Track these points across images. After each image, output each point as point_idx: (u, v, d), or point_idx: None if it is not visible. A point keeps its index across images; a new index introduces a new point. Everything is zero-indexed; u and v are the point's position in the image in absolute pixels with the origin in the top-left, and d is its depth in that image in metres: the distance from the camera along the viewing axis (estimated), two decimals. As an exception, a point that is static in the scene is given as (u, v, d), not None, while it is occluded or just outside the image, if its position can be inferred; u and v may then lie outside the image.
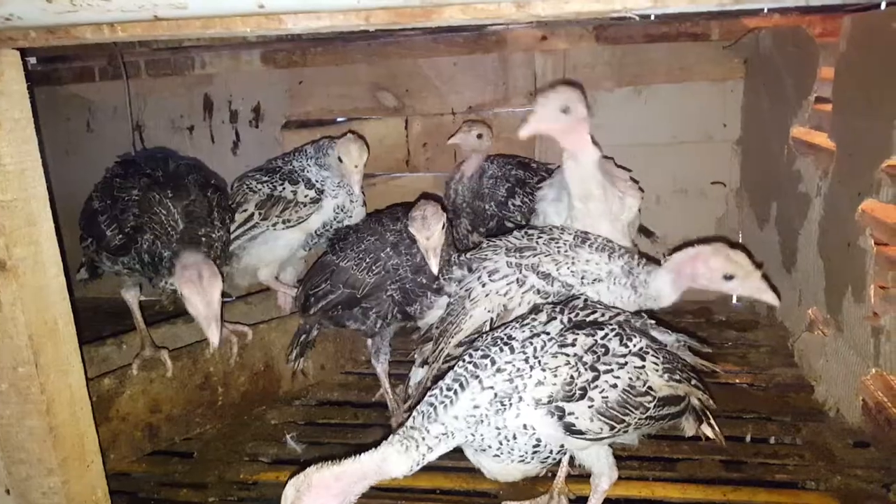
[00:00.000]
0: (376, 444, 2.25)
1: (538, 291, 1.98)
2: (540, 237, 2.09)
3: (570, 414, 1.53)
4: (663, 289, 1.94)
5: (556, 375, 1.54)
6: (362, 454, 1.49)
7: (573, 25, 3.04)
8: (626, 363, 1.60)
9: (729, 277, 1.84)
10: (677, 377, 1.69)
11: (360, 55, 3.21)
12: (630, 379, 1.59)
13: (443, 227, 2.10)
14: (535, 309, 1.78)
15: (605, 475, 1.78)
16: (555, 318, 1.68)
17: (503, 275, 2.02)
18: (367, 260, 2.29)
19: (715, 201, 3.25)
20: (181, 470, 2.22)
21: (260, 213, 2.65)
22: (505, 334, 1.65)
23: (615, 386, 1.57)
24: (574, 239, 2.07)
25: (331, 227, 2.71)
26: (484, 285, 2.02)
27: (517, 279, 1.99)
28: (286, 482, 2.06)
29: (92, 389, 1.73)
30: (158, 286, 2.27)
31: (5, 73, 1.43)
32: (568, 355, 1.57)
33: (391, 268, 2.25)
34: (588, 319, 1.69)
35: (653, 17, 2.20)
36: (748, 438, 2.23)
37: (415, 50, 3.19)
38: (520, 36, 3.11)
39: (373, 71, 3.25)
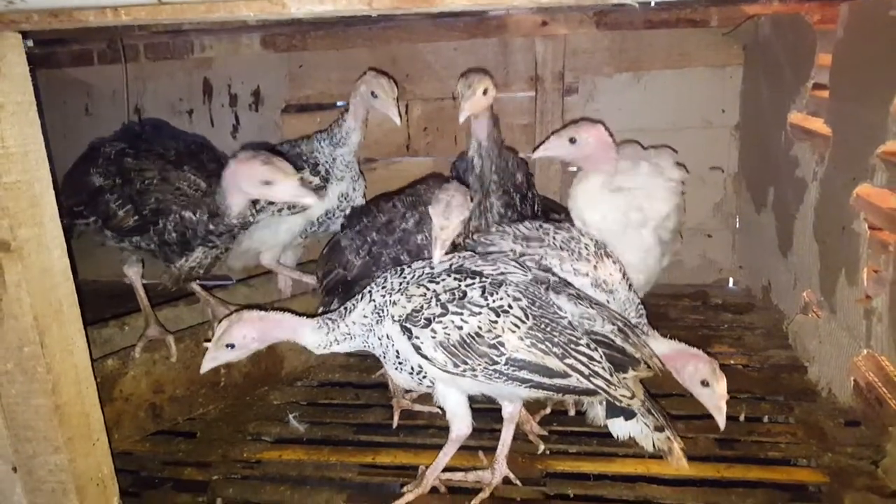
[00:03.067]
0: (378, 424, 2.33)
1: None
2: (557, 233, 2.14)
3: (416, 337, 1.76)
4: (655, 349, 2.00)
5: (409, 301, 1.78)
6: (289, 313, 1.89)
7: (573, 11, 3.04)
8: (479, 313, 1.74)
9: (705, 384, 1.97)
10: (543, 347, 1.72)
11: (360, 39, 3.22)
12: (479, 328, 1.73)
13: (463, 221, 1.99)
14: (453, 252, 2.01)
15: (452, 422, 1.94)
16: (451, 260, 1.90)
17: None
18: (357, 241, 2.33)
19: (713, 186, 3.28)
20: (185, 449, 2.25)
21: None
22: (408, 264, 1.94)
23: (460, 328, 1.73)
24: (597, 247, 2.14)
25: (333, 215, 2.72)
26: None
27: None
28: (290, 462, 2.15)
29: (95, 370, 1.75)
30: (174, 265, 2.28)
31: (7, 55, 1.44)
32: (427, 289, 1.79)
33: (376, 254, 2.26)
34: (472, 268, 1.85)
35: (653, 4, 2.21)
36: (742, 417, 2.26)
37: (415, 35, 3.19)
38: (520, 21, 3.11)
39: (373, 55, 3.26)
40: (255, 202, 2.23)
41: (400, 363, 1.84)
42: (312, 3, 1.20)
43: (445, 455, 1.99)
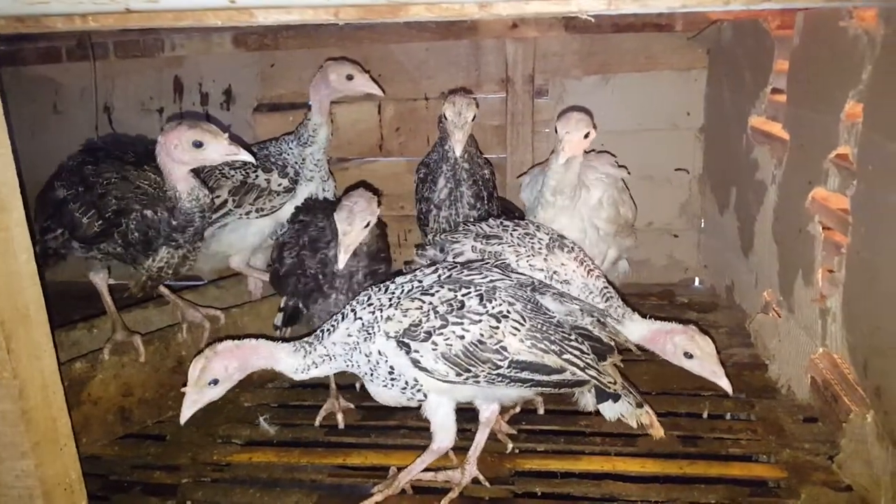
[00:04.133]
0: (349, 426, 2.34)
1: None
2: (515, 230, 2.19)
3: (415, 351, 1.76)
4: (632, 335, 2.08)
5: (405, 315, 1.77)
6: (264, 339, 1.85)
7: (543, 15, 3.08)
8: (480, 321, 1.76)
9: (689, 356, 2.00)
10: (542, 346, 1.78)
11: (332, 39, 3.22)
12: (481, 335, 1.75)
13: (367, 226, 2.07)
14: (433, 263, 2.03)
15: (436, 434, 1.94)
16: (437, 272, 1.90)
17: (466, 259, 2.11)
18: (292, 240, 2.37)
19: (679, 187, 3.34)
20: (154, 452, 2.25)
21: (234, 200, 2.64)
22: (392, 280, 1.91)
23: (462, 337, 1.75)
24: (550, 240, 2.18)
25: None
26: None
27: None
28: (260, 464, 2.15)
29: (63, 373, 1.74)
30: (142, 266, 2.26)
31: (-27, 59, 1.43)
32: (423, 302, 1.79)
33: (303, 256, 2.29)
34: (464, 278, 1.85)
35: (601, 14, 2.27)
36: (705, 415, 2.33)
37: (387, 35, 3.20)
38: (491, 23, 3.14)
39: (345, 55, 3.24)
40: (206, 184, 2.22)
41: (393, 379, 1.82)
42: (279, 13, 1.21)
43: (422, 462, 1.99)
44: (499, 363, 1.76)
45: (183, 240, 2.23)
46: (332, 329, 1.84)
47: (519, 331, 1.77)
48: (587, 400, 2.04)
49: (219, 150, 2.07)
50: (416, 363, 1.77)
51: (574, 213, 2.43)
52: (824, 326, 2.14)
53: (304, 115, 2.74)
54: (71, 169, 2.31)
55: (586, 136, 2.23)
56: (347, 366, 1.84)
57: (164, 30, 3.24)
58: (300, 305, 2.36)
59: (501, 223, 2.25)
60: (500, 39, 3.22)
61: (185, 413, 1.79)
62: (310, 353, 1.84)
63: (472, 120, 2.44)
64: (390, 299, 1.82)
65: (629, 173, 2.68)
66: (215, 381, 1.78)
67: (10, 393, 1.56)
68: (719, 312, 3.08)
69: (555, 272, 2.11)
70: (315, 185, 2.72)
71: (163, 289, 2.52)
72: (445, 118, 2.46)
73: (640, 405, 2.04)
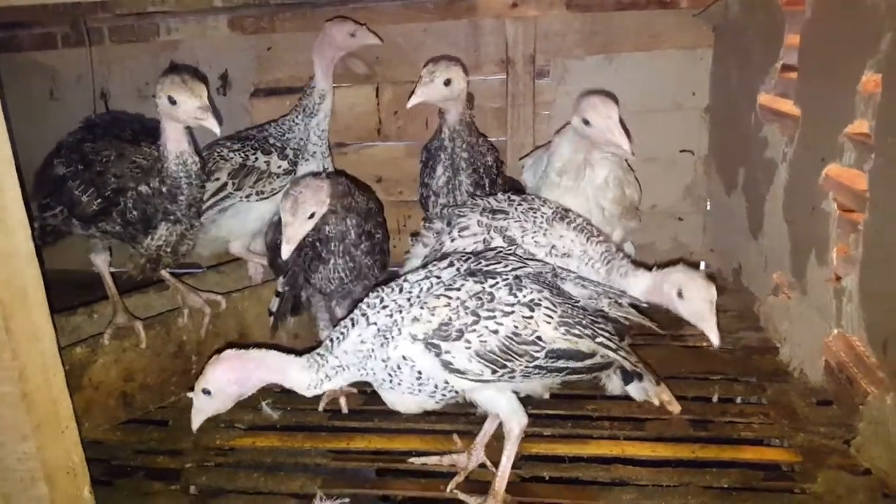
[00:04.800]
0: (351, 410, 2.31)
1: None
2: (520, 204, 2.16)
3: (446, 352, 1.63)
4: (636, 289, 2.02)
5: (433, 314, 1.64)
6: (274, 351, 1.69)
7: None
8: (512, 312, 1.66)
9: (680, 295, 1.93)
10: (576, 332, 1.72)
11: (329, 21, 3.16)
12: (515, 327, 1.65)
13: (311, 217, 2.01)
14: (443, 256, 1.90)
15: (512, 420, 1.83)
16: (453, 265, 1.79)
17: (472, 232, 2.11)
18: None
19: (684, 169, 3.29)
20: (157, 437, 2.22)
21: (233, 183, 2.61)
22: (403, 277, 1.79)
23: (496, 332, 1.64)
24: (553, 213, 2.14)
25: None
26: (453, 240, 2.11)
27: (483, 239, 2.06)
28: (264, 449, 2.12)
29: (64, 358, 1.70)
30: (141, 246, 2.22)
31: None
32: (450, 298, 1.66)
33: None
34: (486, 269, 1.75)
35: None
36: (715, 399, 2.29)
37: (385, 16, 3.15)
38: (490, 2, 3.10)
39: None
40: (204, 163, 2.21)
41: (421, 384, 1.70)
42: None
43: (509, 457, 1.84)
44: (535, 354, 1.68)
45: (180, 213, 2.18)
46: (341, 337, 1.71)
47: (552, 318, 1.70)
48: (614, 383, 1.96)
49: (187, 110, 2.02)
50: (447, 365, 1.65)
51: (579, 193, 2.41)
52: (839, 307, 2.09)
53: (305, 87, 2.72)
54: (70, 146, 2.28)
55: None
56: (361, 375, 1.72)
57: (157, 13, 3.19)
58: (299, 287, 2.34)
59: (509, 198, 2.21)
60: (499, 19, 3.17)
61: (194, 421, 1.73)
62: (322, 365, 1.70)
63: (447, 85, 2.36)
64: (409, 299, 1.69)
65: (634, 154, 2.64)
66: (208, 392, 1.67)
67: (10, 375, 1.53)
68: (727, 296, 3.02)
69: (553, 246, 2.07)
70: (316, 163, 2.69)
71: (164, 273, 2.48)
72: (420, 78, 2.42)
73: (657, 383, 2.01)
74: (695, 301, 1.91)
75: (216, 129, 2.05)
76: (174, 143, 2.08)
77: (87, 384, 2.16)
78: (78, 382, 2.11)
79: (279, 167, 2.64)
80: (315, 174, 2.21)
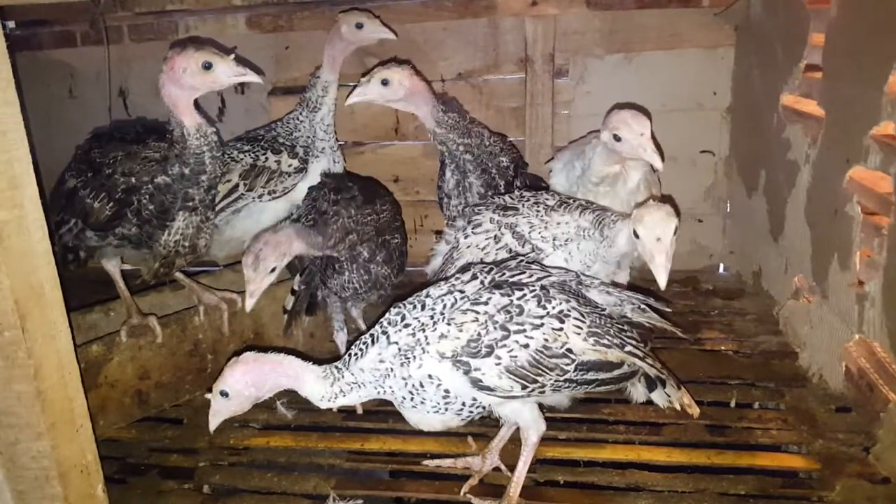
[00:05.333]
0: (366, 411, 2.30)
1: (510, 251, 2.08)
2: (528, 199, 2.17)
3: (476, 370, 1.59)
4: (621, 240, 1.97)
5: (461, 331, 1.59)
6: (293, 357, 1.67)
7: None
8: (542, 324, 1.62)
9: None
10: (605, 342, 1.68)
11: (343, 13, 3.16)
12: (546, 340, 1.61)
13: (273, 271, 2.01)
14: (465, 268, 1.85)
15: (531, 428, 1.81)
16: (476, 278, 1.74)
17: (484, 229, 2.13)
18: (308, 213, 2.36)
19: (704, 170, 3.25)
20: (171, 436, 2.23)
21: (245, 184, 2.60)
22: (425, 292, 1.73)
23: (527, 346, 1.60)
24: (553, 202, 2.14)
25: None
26: (466, 237, 2.14)
27: (495, 236, 2.08)
28: (278, 448, 2.13)
29: (80, 356, 1.71)
30: (158, 244, 2.21)
31: (-17, 31, 1.39)
32: (478, 313, 1.62)
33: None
34: (511, 280, 1.71)
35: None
36: (733, 404, 2.26)
37: (403, 15, 3.14)
38: (510, 0, 3.07)
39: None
40: (211, 122, 2.16)
41: (448, 403, 1.65)
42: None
43: (525, 463, 1.84)
44: (566, 367, 1.64)
45: (198, 198, 2.16)
46: (360, 354, 1.67)
47: (582, 329, 1.66)
48: (638, 391, 1.92)
49: (227, 70, 2.02)
50: (476, 383, 1.60)
51: (615, 197, 2.38)
52: (861, 312, 2.06)
53: (309, 79, 2.71)
54: (78, 158, 2.31)
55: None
56: (378, 393, 1.68)
57: (176, 11, 3.20)
58: (315, 286, 2.34)
59: (521, 194, 2.23)
60: (518, 18, 3.14)
61: (212, 422, 1.71)
62: (338, 379, 1.67)
63: (385, 84, 2.38)
64: (432, 316, 1.64)
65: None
66: (225, 394, 1.65)
67: (26, 373, 1.53)
68: (746, 299, 3.00)
69: (555, 237, 2.06)
70: (326, 159, 2.68)
71: (178, 274, 2.49)
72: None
73: (678, 387, 1.97)
74: (645, 239, 1.84)
75: (257, 79, 2.09)
76: (190, 118, 2.05)
77: (103, 382, 2.18)
78: (94, 380, 2.13)
79: (290, 165, 2.64)
80: (325, 214, 2.22)
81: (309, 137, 2.66)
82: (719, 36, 3.06)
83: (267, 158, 2.63)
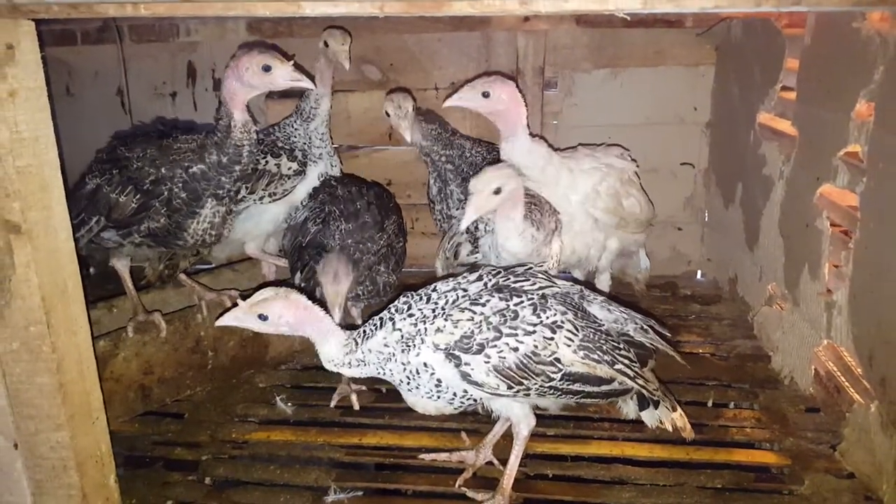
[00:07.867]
0: (363, 407, 2.39)
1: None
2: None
3: (466, 364, 1.70)
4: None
5: (456, 326, 1.71)
6: (329, 317, 1.79)
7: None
8: (534, 331, 1.72)
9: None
10: (595, 357, 1.77)
11: (346, 28, 3.25)
12: (535, 346, 1.72)
13: (351, 284, 2.10)
14: (474, 268, 1.98)
15: (521, 423, 1.92)
16: (481, 279, 1.85)
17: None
18: (314, 213, 2.51)
19: (684, 181, 3.40)
20: (174, 430, 2.31)
21: (247, 187, 2.67)
22: (433, 286, 1.85)
23: (516, 349, 1.71)
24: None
25: None
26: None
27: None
28: (278, 442, 2.20)
29: (91, 351, 1.79)
30: (185, 232, 2.28)
31: (22, 43, 1.47)
32: (474, 312, 1.73)
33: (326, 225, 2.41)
34: (513, 286, 1.82)
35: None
36: (710, 403, 2.40)
37: (400, 25, 3.23)
38: (503, 16, 3.18)
39: (358, 44, 3.26)
40: (255, 120, 2.28)
41: (440, 391, 1.77)
42: (326, 6, 1.26)
43: (517, 456, 1.93)
44: (552, 375, 1.74)
45: (228, 186, 2.26)
46: (370, 334, 1.78)
47: (573, 341, 1.75)
48: (629, 408, 2.01)
49: (285, 74, 2.14)
50: (465, 376, 1.72)
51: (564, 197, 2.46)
52: (829, 319, 2.20)
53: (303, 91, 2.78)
54: (101, 160, 2.35)
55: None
56: (379, 373, 1.79)
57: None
58: (316, 284, 2.42)
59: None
60: (511, 32, 3.25)
61: (224, 320, 1.76)
62: (351, 351, 1.78)
63: (413, 110, 2.62)
64: (434, 310, 1.76)
65: (638, 166, 2.74)
66: (265, 318, 1.73)
67: (49, 367, 1.61)
68: (722, 305, 3.15)
69: (532, 236, 2.14)
70: (324, 163, 2.77)
71: (181, 276, 2.56)
72: (388, 115, 2.62)
73: (674, 409, 2.03)
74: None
75: (311, 85, 2.27)
76: (241, 113, 2.18)
77: (109, 377, 2.24)
78: (100, 375, 2.17)
79: (290, 168, 2.71)
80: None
81: (305, 143, 2.75)
82: (701, 54, 3.20)
83: (267, 162, 2.69)
